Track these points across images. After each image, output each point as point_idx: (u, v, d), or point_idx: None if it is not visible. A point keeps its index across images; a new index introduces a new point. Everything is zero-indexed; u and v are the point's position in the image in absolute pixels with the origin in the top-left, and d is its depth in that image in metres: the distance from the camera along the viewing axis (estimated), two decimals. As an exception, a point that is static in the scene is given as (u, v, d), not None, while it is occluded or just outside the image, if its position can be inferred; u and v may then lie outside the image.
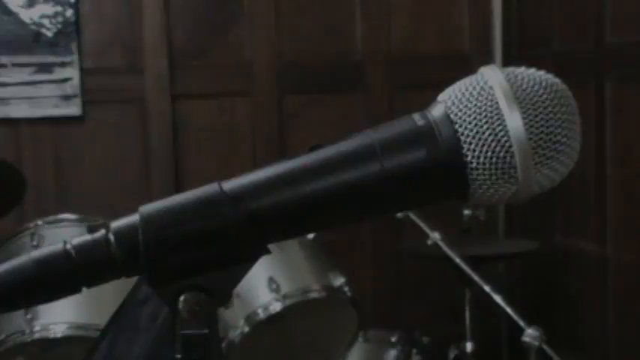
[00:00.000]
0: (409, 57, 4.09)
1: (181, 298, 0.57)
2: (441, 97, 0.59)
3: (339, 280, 2.69)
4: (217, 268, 0.57)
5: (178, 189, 3.63)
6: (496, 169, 0.57)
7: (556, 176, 0.59)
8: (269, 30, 3.93)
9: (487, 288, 2.73)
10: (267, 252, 0.58)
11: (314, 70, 3.99)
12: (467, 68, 3.50)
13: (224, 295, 0.57)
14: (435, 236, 2.86)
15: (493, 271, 3.80)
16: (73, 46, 3.73)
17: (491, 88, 0.57)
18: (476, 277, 2.77)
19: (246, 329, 2.56)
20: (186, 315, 0.56)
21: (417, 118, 0.59)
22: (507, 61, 4.08)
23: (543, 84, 0.58)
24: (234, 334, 2.56)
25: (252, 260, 0.57)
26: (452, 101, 0.58)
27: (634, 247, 3.35)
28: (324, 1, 4.01)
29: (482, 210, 3.05)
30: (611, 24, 3.35)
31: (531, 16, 3.98)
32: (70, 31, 3.73)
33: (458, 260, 2.81)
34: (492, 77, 0.58)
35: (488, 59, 4.14)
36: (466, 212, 3.09)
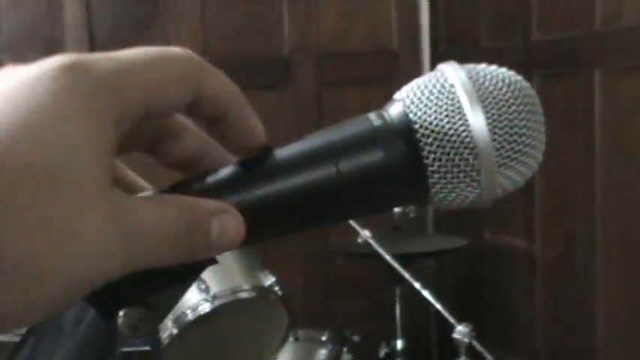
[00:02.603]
0: (337, 53, 4.07)
1: (121, 312, 0.52)
2: (397, 95, 0.56)
3: (268, 280, 2.66)
4: (163, 282, 0.52)
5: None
6: (458, 171, 0.53)
7: (519, 179, 0.56)
8: (194, 25, 3.88)
9: (417, 285, 2.72)
10: (215, 262, 0.53)
11: (241, 67, 3.94)
12: (395, 65, 3.53)
13: (166, 310, 0.53)
14: (366, 234, 2.85)
15: (423, 268, 3.81)
16: (-8, 42, 3.64)
17: (452, 85, 0.54)
18: (406, 275, 2.76)
19: (175, 331, 2.52)
20: (127, 332, 0.52)
21: (374, 118, 0.55)
22: (435, 58, 4.10)
23: (506, 81, 0.55)
24: (163, 337, 2.52)
25: (198, 272, 0.53)
26: (410, 100, 0.54)
27: (561, 242, 3.38)
28: (251, -4, 3.97)
29: (412, 207, 3.04)
30: (537, 21, 3.38)
31: (459, 12, 4.00)
32: (-11, 27, 3.63)
33: (388, 258, 2.80)
34: (453, 74, 0.54)
35: (416, 56, 4.14)
36: (396, 210, 3.08)
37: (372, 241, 2.84)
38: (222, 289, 2.58)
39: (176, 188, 0.53)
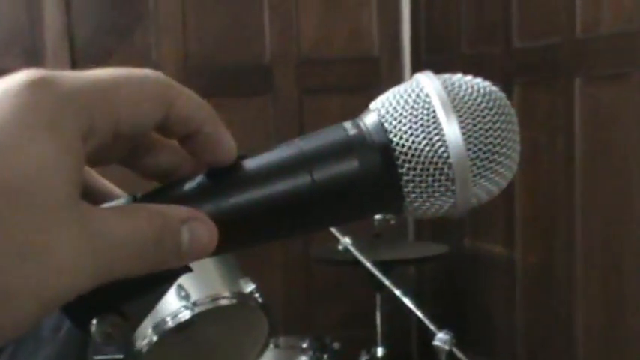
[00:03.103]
0: (318, 60, 4.08)
1: (94, 321, 0.52)
2: (373, 104, 0.56)
3: (249, 287, 2.65)
4: (137, 290, 0.52)
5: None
6: (433, 181, 0.53)
7: (494, 188, 0.56)
8: (176, 32, 3.87)
9: (398, 292, 2.72)
10: (189, 270, 0.53)
11: (222, 73, 3.94)
12: (376, 72, 3.52)
13: (140, 318, 0.53)
14: (346, 241, 2.84)
15: (403, 276, 3.81)
16: (-28, 49, 3.62)
17: (427, 95, 0.54)
18: (387, 282, 2.76)
19: (155, 338, 2.51)
20: (100, 340, 0.51)
21: (349, 127, 0.55)
22: (416, 65, 4.10)
23: (482, 91, 0.55)
24: (142, 344, 2.50)
25: (172, 279, 0.53)
26: (386, 109, 0.54)
27: (541, 249, 3.39)
28: (232, 3, 3.96)
29: (392, 215, 3.04)
30: (518, 29, 3.39)
31: (440, 20, 4.01)
32: (-32, 33, 3.62)
33: (369, 265, 2.80)
34: (428, 84, 0.54)
35: (397, 63, 4.15)
36: (377, 217, 3.08)
37: (352, 248, 2.83)
38: (203, 296, 2.57)
39: (151, 196, 0.52)
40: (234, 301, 2.63)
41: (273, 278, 3.86)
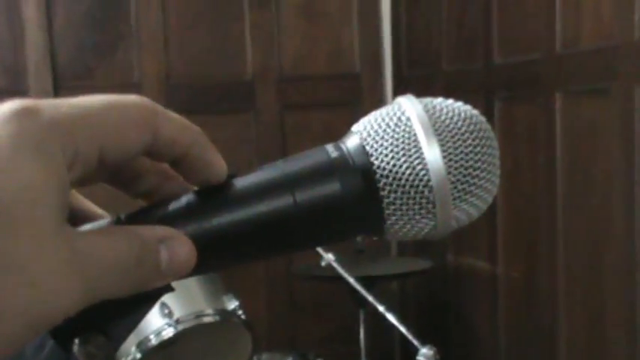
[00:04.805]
0: (300, 77, 4.08)
1: (77, 341, 0.52)
2: (355, 127, 0.56)
3: (232, 304, 2.65)
4: (120, 310, 0.52)
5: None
6: (413, 204, 0.54)
7: (474, 212, 0.56)
8: (157, 49, 3.87)
9: (381, 308, 2.72)
10: (171, 289, 0.53)
11: (204, 91, 3.95)
12: (358, 88, 3.53)
13: (122, 337, 0.53)
14: (329, 257, 2.84)
15: (387, 291, 3.81)
16: (-47, 67, 3.61)
17: (408, 119, 0.54)
18: (370, 298, 2.76)
19: (138, 356, 2.50)
20: (82, 359, 0.52)
21: (331, 150, 0.55)
22: (397, 81, 4.12)
23: (462, 115, 0.55)
24: (125, 362, 2.50)
25: (155, 299, 0.53)
26: (367, 132, 0.55)
27: (523, 264, 3.40)
28: (213, 21, 3.97)
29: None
30: (498, 44, 3.41)
31: (420, 36, 4.03)
32: (-50, 51, 3.60)
33: (352, 281, 2.80)
34: (410, 108, 0.55)
35: (378, 79, 4.16)
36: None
37: (335, 264, 2.83)
38: (186, 314, 2.57)
39: (134, 216, 0.53)
40: (217, 318, 2.63)
41: (256, 294, 3.85)
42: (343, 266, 2.84)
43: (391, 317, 2.68)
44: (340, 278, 2.83)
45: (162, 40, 3.88)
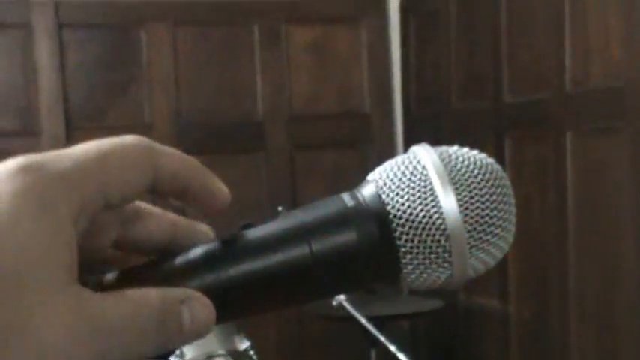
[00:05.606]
0: (310, 116, 4.10)
1: None
2: (371, 176, 0.56)
3: (244, 344, 2.64)
4: None
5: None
6: (430, 253, 0.54)
7: (491, 260, 0.56)
8: (168, 90, 3.90)
9: (393, 348, 2.70)
10: (173, 352, 0.53)
11: (215, 131, 3.96)
12: (367, 127, 3.53)
13: None
14: (340, 297, 2.83)
15: (398, 331, 3.79)
16: (-34, 109, 3.63)
17: (424, 167, 0.54)
18: (381, 337, 2.75)
19: (149, 397, 2.49)
20: None
21: (347, 199, 0.55)
22: (407, 120, 4.13)
23: (478, 164, 0.55)
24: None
25: (167, 356, 0.53)
26: (383, 181, 0.55)
27: (534, 303, 3.38)
28: (224, 61, 4.00)
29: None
30: (508, 83, 3.42)
31: (430, 75, 4.04)
32: (-38, 93, 3.63)
33: (363, 320, 2.79)
34: (425, 156, 0.55)
35: (388, 118, 4.17)
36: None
37: (346, 304, 2.82)
38: (197, 354, 2.56)
39: (144, 269, 0.53)
40: (229, 359, 2.62)
41: (267, 335, 3.84)
42: (354, 306, 2.83)
43: (402, 357, 2.66)
44: (351, 318, 2.82)
45: (173, 80, 3.91)
